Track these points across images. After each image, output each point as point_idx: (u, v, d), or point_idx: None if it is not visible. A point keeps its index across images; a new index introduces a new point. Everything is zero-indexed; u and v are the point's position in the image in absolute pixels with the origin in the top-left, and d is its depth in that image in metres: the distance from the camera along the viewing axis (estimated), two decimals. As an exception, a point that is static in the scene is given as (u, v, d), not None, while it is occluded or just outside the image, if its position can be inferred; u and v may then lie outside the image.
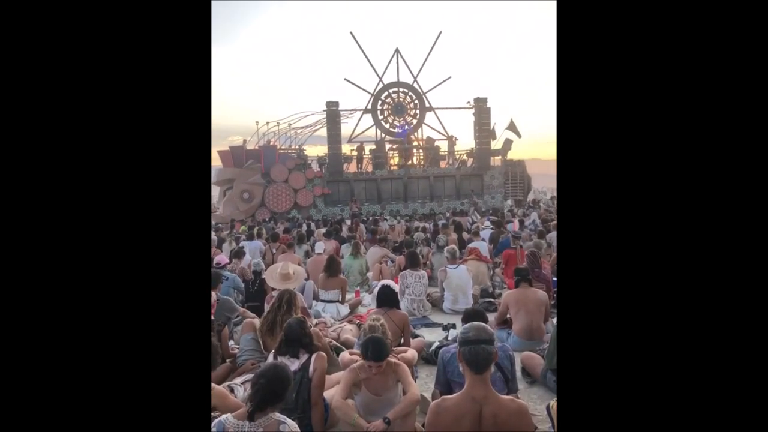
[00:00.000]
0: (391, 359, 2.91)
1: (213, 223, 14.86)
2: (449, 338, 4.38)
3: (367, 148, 20.74)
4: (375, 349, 2.78)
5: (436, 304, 6.29)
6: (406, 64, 20.99)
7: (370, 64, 20.85)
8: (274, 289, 4.93)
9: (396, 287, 4.57)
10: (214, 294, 4.68)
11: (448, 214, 15.16)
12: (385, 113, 20.93)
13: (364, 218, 15.17)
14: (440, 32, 21.26)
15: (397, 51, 20.83)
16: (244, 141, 19.59)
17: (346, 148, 20.45)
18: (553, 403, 3.01)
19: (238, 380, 3.46)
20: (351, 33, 20.76)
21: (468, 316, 3.30)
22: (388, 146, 21.05)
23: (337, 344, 4.36)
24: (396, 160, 21.09)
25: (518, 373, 3.58)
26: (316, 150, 21.09)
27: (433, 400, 2.75)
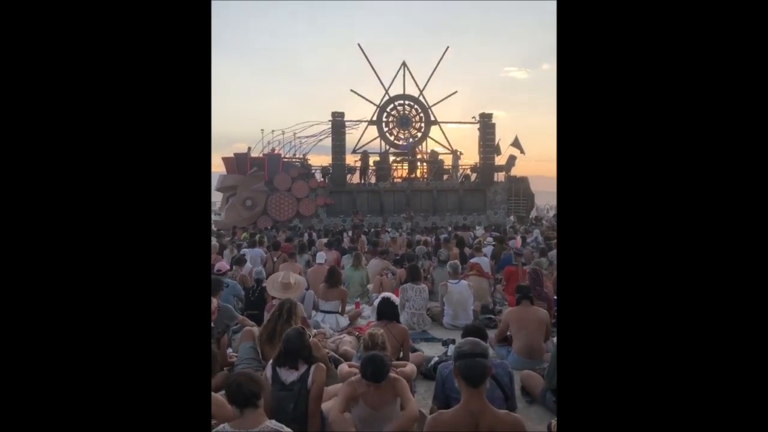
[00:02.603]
0: (390, 374, 2.89)
1: (215, 229, 14.81)
2: (448, 354, 4.35)
3: (371, 159, 20.74)
4: (375, 369, 2.75)
5: (436, 318, 6.26)
6: (413, 77, 21.10)
7: (377, 76, 20.99)
8: (274, 298, 4.92)
9: (396, 300, 4.56)
10: (215, 301, 4.66)
11: (450, 228, 15.14)
12: (390, 125, 21.00)
13: (366, 230, 15.15)
14: (447, 47, 21.46)
15: (404, 64, 20.94)
16: (249, 148, 19.60)
17: (350, 159, 20.49)
18: (554, 422, 2.98)
19: (236, 389, 3.43)
20: (359, 45, 20.96)
21: (468, 332, 3.29)
22: (392, 158, 21.07)
23: (336, 355, 4.34)
24: (400, 172, 21.08)
25: (517, 392, 3.56)
26: (320, 160, 21.13)
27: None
